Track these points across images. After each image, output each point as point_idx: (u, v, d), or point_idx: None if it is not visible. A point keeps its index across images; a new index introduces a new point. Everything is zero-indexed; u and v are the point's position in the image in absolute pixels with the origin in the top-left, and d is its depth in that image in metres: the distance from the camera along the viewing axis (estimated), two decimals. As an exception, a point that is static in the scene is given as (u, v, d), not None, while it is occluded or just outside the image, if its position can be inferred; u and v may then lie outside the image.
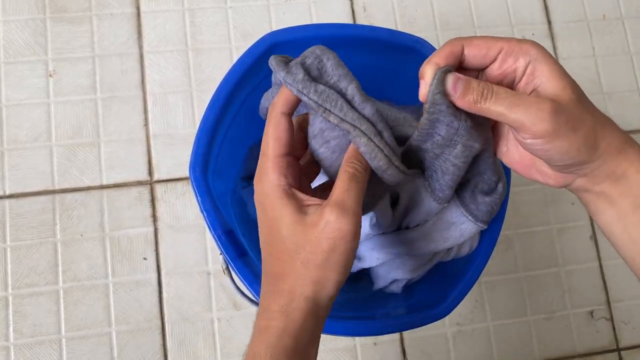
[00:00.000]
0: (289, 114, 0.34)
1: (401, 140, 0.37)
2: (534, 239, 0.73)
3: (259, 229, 0.35)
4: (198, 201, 0.43)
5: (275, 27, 0.74)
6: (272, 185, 0.33)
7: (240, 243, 0.43)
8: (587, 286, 0.73)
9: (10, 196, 0.66)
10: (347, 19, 0.76)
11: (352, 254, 0.32)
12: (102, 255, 0.66)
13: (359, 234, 0.32)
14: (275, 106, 0.34)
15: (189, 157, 0.64)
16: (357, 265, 0.49)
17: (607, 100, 0.78)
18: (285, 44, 0.48)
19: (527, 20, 0.79)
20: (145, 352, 0.64)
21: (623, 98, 0.79)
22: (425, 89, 0.34)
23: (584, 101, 0.32)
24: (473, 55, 0.33)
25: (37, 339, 0.63)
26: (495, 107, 0.31)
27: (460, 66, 0.34)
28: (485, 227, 0.43)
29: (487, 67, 0.34)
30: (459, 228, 0.43)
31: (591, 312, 0.72)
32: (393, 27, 0.76)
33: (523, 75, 0.33)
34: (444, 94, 0.33)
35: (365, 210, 0.39)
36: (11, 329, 0.63)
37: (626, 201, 0.33)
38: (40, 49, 0.70)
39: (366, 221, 0.45)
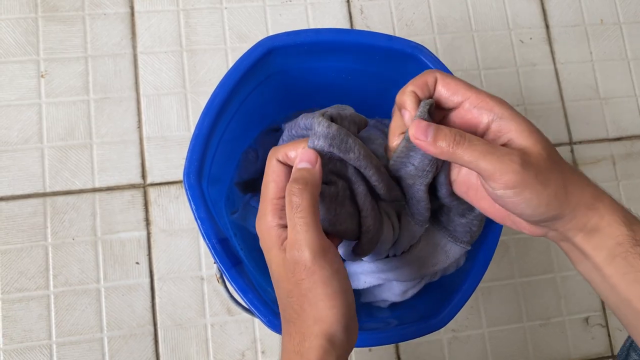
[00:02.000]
0: (286, 163, 0.35)
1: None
2: (530, 245, 0.72)
3: (267, 261, 0.35)
4: (192, 209, 0.42)
5: (271, 29, 0.73)
6: (268, 227, 0.34)
7: (235, 251, 0.43)
8: (583, 293, 0.72)
9: (1, 199, 0.65)
10: (344, 22, 0.75)
11: (331, 282, 0.32)
12: (94, 259, 0.65)
13: (327, 258, 0.32)
14: (276, 153, 0.35)
15: (183, 161, 0.64)
16: None
17: (603, 105, 0.78)
18: (282, 49, 0.47)
19: (525, 24, 0.79)
20: (138, 358, 0.63)
21: (620, 103, 0.78)
22: (409, 118, 0.34)
23: (554, 157, 0.33)
24: (441, 93, 0.34)
25: (28, 344, 0.62)
26: (467, 154, 0.31)
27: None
28: (469, 247, 0.44)
29: (453, 110, 0.34)
30: (444, 250, 0.44)
31: (587, 319, 0.72)
32: (390, 31, 0.76)
33: (484, 131, 0.33)
34: (414, 140, 0.33)
35: (374, 243, 0.39)
36: (1, 334, 0.62)
37: (600, 254, 0.33)
38: (31, 48, 0.69)
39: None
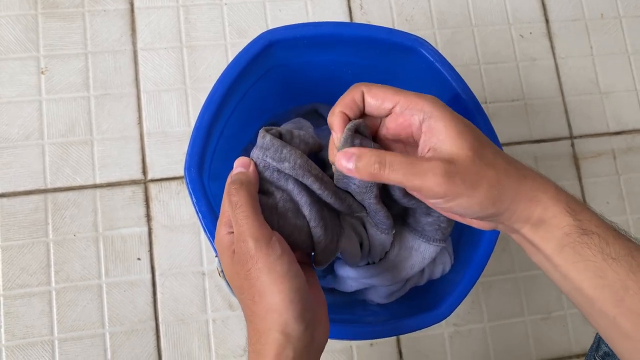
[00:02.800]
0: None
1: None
2: (531, 239, 0.72)
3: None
4: (193, 203, 0.42)
5: (271, 24, 0.73)
6: (220, 237, 0.35)
7: None
8: (584, 286, 0.72)
9: (2, 195, 0.65)
10: (343, 17, 0.75)
11: (274, 267, 0.32)
12: (96, 255, 0.65)
13: (270, 245, 0.33)
14: (230, 175, 0.37)
15: (184, 157, 0.64)
16: (331, 283, 0.50)
17: (604, 99, 0.78)
18: (282, 42, 0.47)
19: (525, 19, 0.79)
20: (140, 354, 0.64)
21: (620, 98, 0.78)
22: (336, 144, 0.35)
23: (483, 155, 0.32)
24: (371, 104, 0.35)
25: (29, 340, 0.62)
26: (391, 176, 0.32)
27: (363, 113, 0.35)
28: (443, 244, 0.45)
29: (386, 116, 0.35)
30: (418, 252, 0.45)
31: (588, 313, 0.72)
32: (390, 25, 0.75)
33: (419, 130, 0.34)
34: (341, 170, 0.34)
35: (329, 254, 0.39)
36: (3, 330, 0.62)
37: (549, 245, 0.33)
38: (31, 45, 0.69)
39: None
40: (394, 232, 0.45)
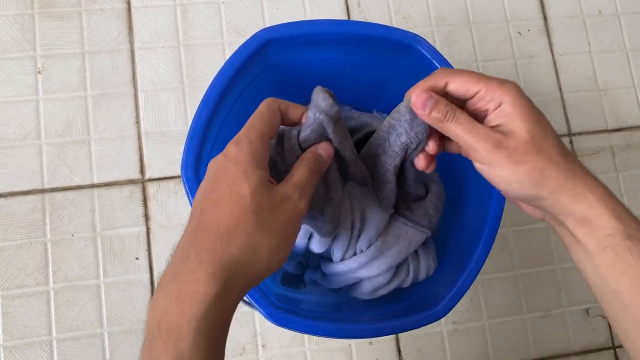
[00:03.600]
0: (283, 113, 0.38)
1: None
2: (530, 236, 0.72)
3: (205, 184, 0.34)
4: (190, 201, 0.42)
5: (268, 23, 0.73)
6: (248, 153, 0.34)
7: None
8: (583, 284, 0.71)
9: (-1, 195, 0.65)
10: (341, 15, 0.75)
11: (298, 230, 0.35)
12: (94, 255, 0.65)
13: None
14: (278, 102, 0.38)
15: (181, 156, 0.63)
16: (320, 280, 0.51)
17: (602, 96, 0.78)
18: (279, 40, 0.47)
19: (523, 16, 0.78)
20: (138, 354, 0.63)
21: (619, 94, 0.78)
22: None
23: (538, 142, 0.34)
24: (454, 90, 0.37)
25: (28, 340, 0.62)
26: (453, 128, 0.35)
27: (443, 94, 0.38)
28: (428, 232, 0.46)
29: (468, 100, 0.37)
30: (405, 238, 0.46)
31: (587, 310, 0.72)
32: (388, 23, 0.75)
33: (492, 112, 0.36)
34: (414, 107, 0.37)
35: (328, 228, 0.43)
36: (1, 330, 0.62)
37: (591, 242, 0.34)
38: (28, 45, 0.69)
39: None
40: (392, 212, 0.46)
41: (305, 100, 0.60)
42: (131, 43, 0.70)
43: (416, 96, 0.36)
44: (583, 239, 0.34)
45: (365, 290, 0.48)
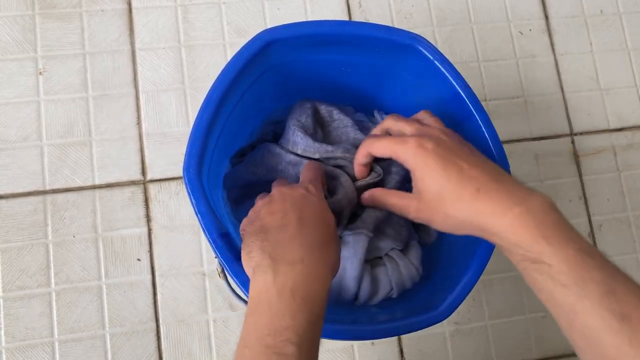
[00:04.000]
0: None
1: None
2: (532, 236, 0.72)
3: (286, 204, 0.40)
4: (192, 204, 0.42)
5: (269, 23, 0.73)
6: (321, 194, 0.44)
7: (236, 246, 0.42)
8: (585, 284, 0.72)
9: (0, 197, 0.65)
10: (342, 15, 0.74)
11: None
12: (95, 256, 0.65)
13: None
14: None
15: (183, 157, 0.63)
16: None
17: (604, 96, 0.78)
18: (280, 42, 0.47)
19: (525, 16, 0.78)
20: (140, 355, 0.63)
21: (621, 94, 0.78)
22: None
23: (444, 195, 0.39)
24: (380, 155, 0.45)
25: (30, 342, 0.62)
26: (386, 203, 0.45)
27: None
28: (367, 233, 0.49)
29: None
30: (349, 245, 0.49)
31: (589, 310, 0.71)
32: (389, 23, 0.75)
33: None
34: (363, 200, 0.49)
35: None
36: (2, 332, 0.62)
37: (514, 261, 0.38)
38: (29, 46, 0.69)
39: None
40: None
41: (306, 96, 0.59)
42: (132, 44, 0.70)
43: (365, 196, 0.48)
44: (509, 257, 0.38)
45: (356, 298, 0.49)
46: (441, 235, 0.54)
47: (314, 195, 0.42)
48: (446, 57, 0.49)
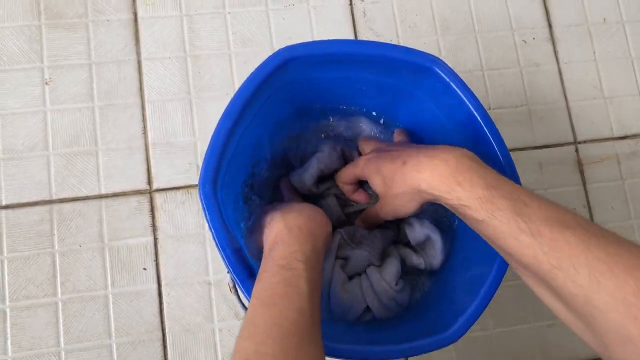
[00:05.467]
0: None
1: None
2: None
3: (299, 215, 0.46)
4: (207, 219, 0.42)
5: (274, 33, 0.73)
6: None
7: (248, 262, 0.43)
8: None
9: (7, 207, 0.65)
10: (346, 25, 0.75)
11: None
12: (102, 265, 0.65)
13: None
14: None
15: (189, 166, 0.64)
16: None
17: (608, 104, 0.78)
18: (299, 59, 0.47)
19: (528, 25, 0.79)
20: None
21: (624, 102, 0.78)
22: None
23: (385, 186, 0.46)
24: (347, 181, 0.55)
25: (36, 351, 0.62)
26: (368, 218, 0.54)
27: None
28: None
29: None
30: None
31: (594, 318, 0.71)
32: (394, 33, 0.76)
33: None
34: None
35: None
36: (9, 342, 0.62)
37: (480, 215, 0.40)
38: (35, 56, 0.69)
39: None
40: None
41: (321, 114, 0.60)
42: (138, 54, 0.71)
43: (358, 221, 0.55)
44: (477, 215, 0.39)
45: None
46: (451, 258, 0.54)
47: (320, 213, 0.50)
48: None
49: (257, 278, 0.41)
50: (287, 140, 0.57)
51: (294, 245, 0.42)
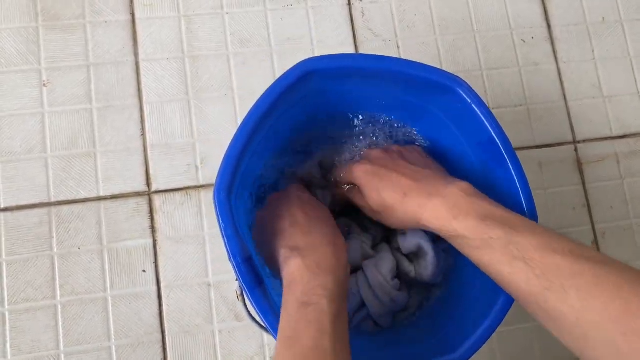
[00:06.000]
0: None
1: None
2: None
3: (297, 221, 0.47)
4: (220, 226, 0.42)
5: (272, 34, 0.73)
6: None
7: (258, 271, 0.43)
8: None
9: (5, 209, 0.65)
10: (345, 25, 0.75)
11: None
12: (101, 268, 0.65)
13: None
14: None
15: (188, 167, 0.63)
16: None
17: (607, 103, 0.78)
18: (320, 72, 0.46)
19: (527, 24, 0.78)
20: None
21: (623, 101, 0.78)
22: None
23: (383, 199, 0.48)
24: (343, 182, 0.55)
25: (36, 354, 0.62)
26: (354, 200, 0.53)
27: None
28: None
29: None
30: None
31: (593, 318, 0.72)
32: (392, 33, 0.75)
33: None
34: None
35: None
36: (9, 345, 0.62)
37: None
38: (33, 58, 0.69)
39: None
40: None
41: (338, 126, 0.60)
42: (136, 55, 0.70)
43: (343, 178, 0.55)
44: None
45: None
46: (459, 277, 0.54)
47: (305, 193, 0.52)
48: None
49: (281, 312, 0.41)
50: (303, 155, 0.57)
51: (314, 281, 0.41)
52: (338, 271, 0.43)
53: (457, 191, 0.43)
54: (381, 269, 0.52)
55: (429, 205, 0.44)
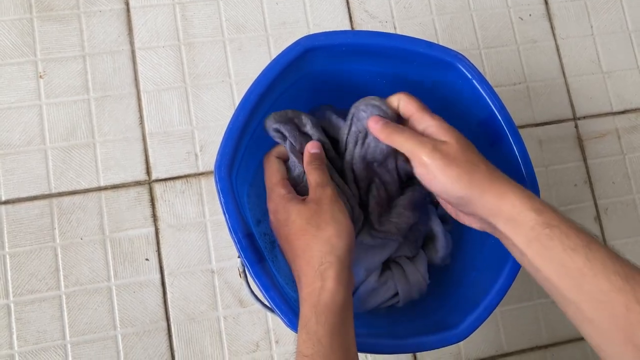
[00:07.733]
0: (280, 158, 0.49)
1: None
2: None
3: (278, 228, 0.44)
4: (221, 202, 0.42)
5: (268, 18, 0.73)
6: (282, 195, 0.45)
7: (259, 248, 0.43)
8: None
9: (6, 202, 0.65)
10: (341, 7, 0.74)
11: (341, 210, 0.43)
12: (104, 258, 0.65)
13: (337, 196, 0.44)
14: (273, 153, 0.48)
15: (187, 155, 0.63)
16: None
17: (606, 79, 0.78)
18: (319, 49, 0.46)
19: (524, 1, 0.78)
20: (152, 354, 0.64)
21: (623, 76, 0.78)
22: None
23: (467, 153, 0.41)
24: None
25: (42, 345, 0.63)
26: (398, 138, 0.43)
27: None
28: (397, 238, 0.50)
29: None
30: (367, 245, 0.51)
31: (598, 294, 0.72)
32: (388, 14, 0.75)
33: (427, 130, 0.44)
34: (370, 127, 0.46)
35: None
36: (15, 336, 0.62)
37: (520, 239, 0.38)
38: (28, 49, 0.68)
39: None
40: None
41: (340, 105, 0.59)
42: (131, 43, 0.70)
43: (373, 121, 0.45)
44: (513, 237, 0.38)
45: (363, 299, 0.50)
46: (461, 255, 0.54)
47: (277, 197, 0.46)
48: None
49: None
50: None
51: (317, 333, 0.39)
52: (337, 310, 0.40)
53: (526, 191, 0.41)
54: (420, 267, 0.52)
55: (512, 196, 0.39)
